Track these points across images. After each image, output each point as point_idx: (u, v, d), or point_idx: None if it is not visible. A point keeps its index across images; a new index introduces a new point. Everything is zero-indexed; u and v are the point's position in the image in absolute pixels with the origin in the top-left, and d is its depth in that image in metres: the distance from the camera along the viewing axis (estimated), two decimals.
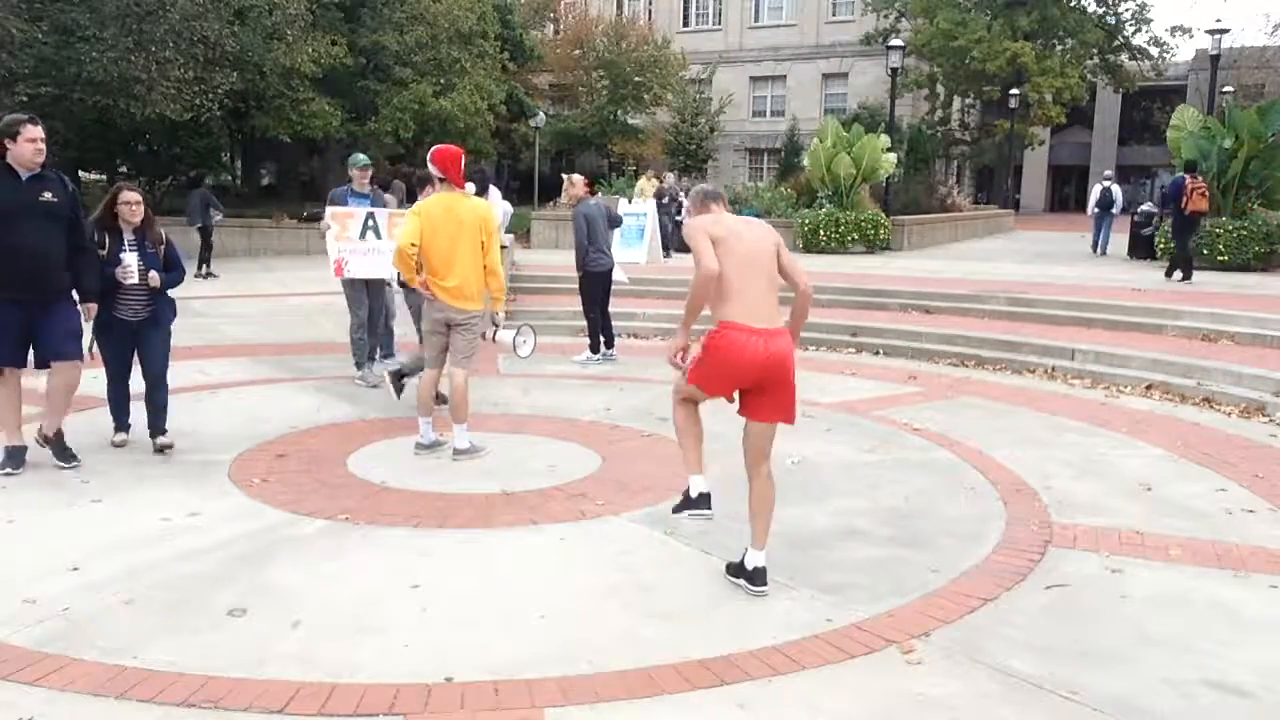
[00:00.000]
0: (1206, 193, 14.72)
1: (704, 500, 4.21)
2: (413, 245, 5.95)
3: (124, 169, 25.16)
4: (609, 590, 4.14)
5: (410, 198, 10.31)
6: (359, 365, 8.33)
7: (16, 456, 5.56)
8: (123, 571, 4.18)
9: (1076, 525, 5.02)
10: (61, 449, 5.72)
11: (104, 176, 26.85)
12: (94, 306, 5.76)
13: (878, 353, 10.46)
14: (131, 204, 5.91)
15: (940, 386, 8.72)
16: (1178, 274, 14.30)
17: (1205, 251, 15.93)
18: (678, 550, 4.63)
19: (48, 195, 5.41)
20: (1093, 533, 4.91)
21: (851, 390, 8.43)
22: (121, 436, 6.22)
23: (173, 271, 6.11)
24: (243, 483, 5.49)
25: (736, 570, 4.23)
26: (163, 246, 6.06)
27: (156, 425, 6.11)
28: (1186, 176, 14.84)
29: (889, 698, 3.28)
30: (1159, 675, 3.46)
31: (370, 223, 8.20)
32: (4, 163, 5.33)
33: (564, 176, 10.71)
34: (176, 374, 6.56)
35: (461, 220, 6.00)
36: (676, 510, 4.36)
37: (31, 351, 5.62)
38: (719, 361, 3.99)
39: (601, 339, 9.79)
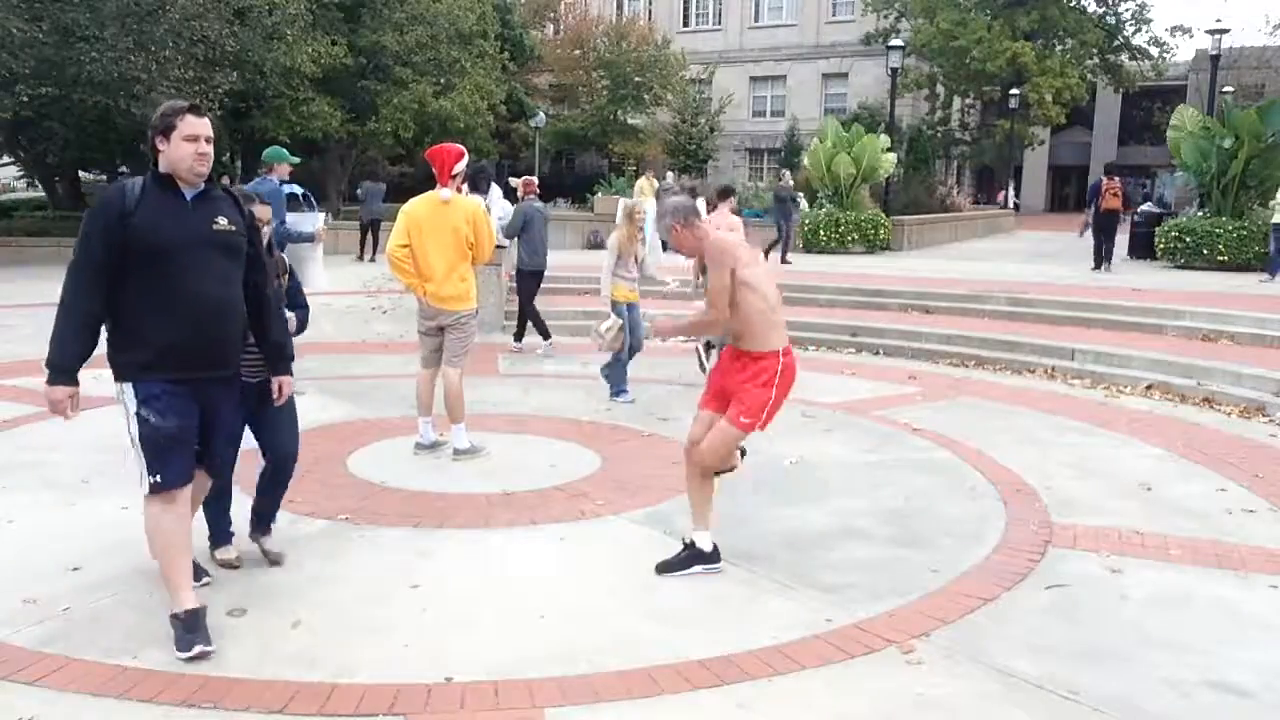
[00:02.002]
0: (1119, 193, 16.43)
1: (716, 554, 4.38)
2: (402, 246, 5.90)
3: (124, 170, 25.18)
4: (609, 590, 4.14)
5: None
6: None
7: (196, 625, 3.51)
8: (123, 571, 4.17)
9: (1076, 525, 5.01)
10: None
11: (104, 177, 26.90)
12: (290, 381, 3.99)
13: (878, 353, 10.46)
14: (257, 219, 4.10)
15: (940, 386, 8.72)
16: (1104, 265, 15.93)
17: (1205, 251, 16.00)
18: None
19: (222, 221, 3.59)
20: (1093, 533, 4.91)
21: (851, 390, 8.42)
22: (228, 552, 4.31)
23: (300, 309, 4.57)
24: (243, 483, 5.47)
25: (684, 559, 4.32)
26: (286, 277, 4.47)
27: (263, 519, 4.42)
28: (1104, 178, 16.57)
29: (889, 698, 3.28)
30: (1159, 675, 3.46)
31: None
32: (157, 174, 3.54)
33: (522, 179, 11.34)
34: None
35: (445, 220, 5.87)
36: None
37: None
38: (788, 384, 4.23)
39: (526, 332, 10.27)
